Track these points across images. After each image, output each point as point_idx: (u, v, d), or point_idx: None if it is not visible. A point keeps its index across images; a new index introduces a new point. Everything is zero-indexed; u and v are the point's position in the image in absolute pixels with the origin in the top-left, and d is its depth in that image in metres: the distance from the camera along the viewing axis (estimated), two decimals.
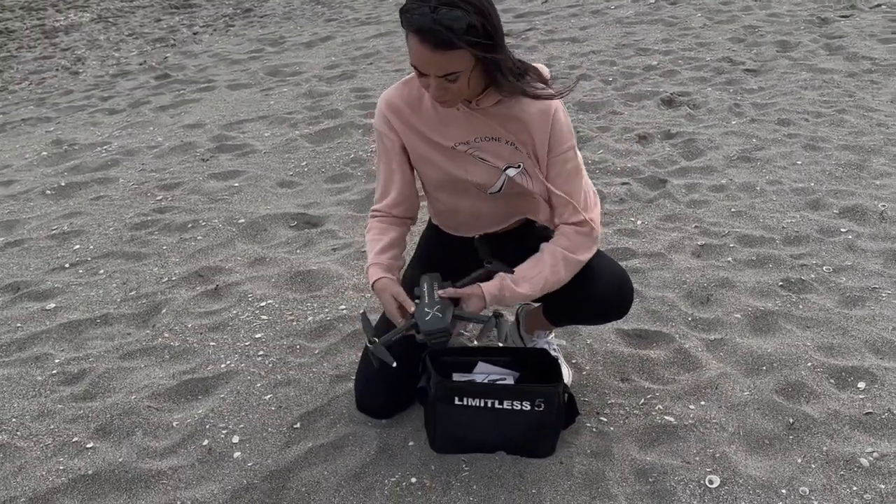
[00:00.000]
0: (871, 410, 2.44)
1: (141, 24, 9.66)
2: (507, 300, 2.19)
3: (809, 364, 2.65)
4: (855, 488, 2.17)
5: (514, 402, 2.27)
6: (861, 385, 2.55)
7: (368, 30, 7.98)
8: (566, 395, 2.35)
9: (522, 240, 2.37)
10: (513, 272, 2.21)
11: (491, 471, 2.26)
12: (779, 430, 2.38)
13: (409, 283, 2.37)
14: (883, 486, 2.16)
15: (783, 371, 2.62)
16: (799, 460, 2.27)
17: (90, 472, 2.33)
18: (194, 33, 9.02)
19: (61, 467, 2.36)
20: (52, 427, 2.54)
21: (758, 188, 3.89)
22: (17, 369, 2.84)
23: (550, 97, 2.12)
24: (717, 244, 3.41)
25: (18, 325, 3.13)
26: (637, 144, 4.50)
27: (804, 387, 2.54)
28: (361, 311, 2.25)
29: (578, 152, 2.25)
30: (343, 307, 3.08)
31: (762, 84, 5.29)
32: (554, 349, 2.66)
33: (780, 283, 3.11)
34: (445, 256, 2.50)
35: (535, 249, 2.25)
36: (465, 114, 2.17)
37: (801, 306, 2.96)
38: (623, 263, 3.28)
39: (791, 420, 2.41)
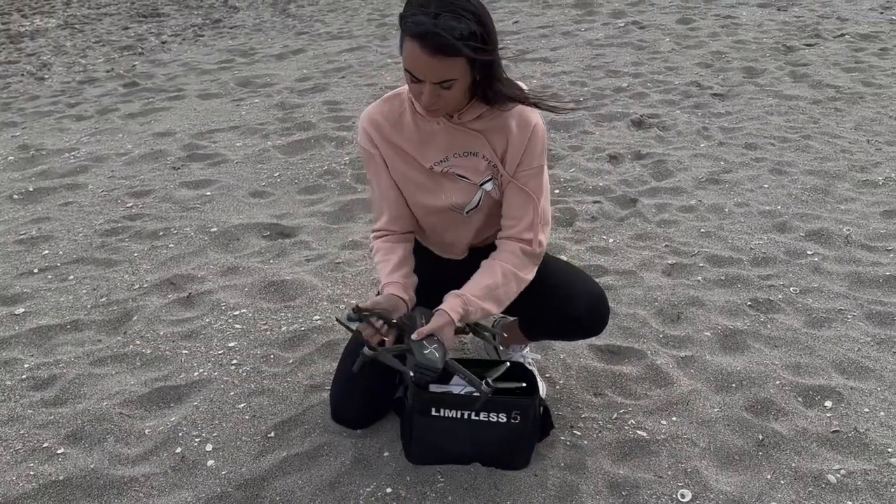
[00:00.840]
0: (838, 428, 2.49)
1: (108, 32, 9.58)
2: (472, 315, 2.18)
3: (778, 382, 2.70)
4: None
5: (491, 414, 2.29)
6: (828, 404, 2.60)
7: (340, 44, 8.00)
8: (542, 407, 2.37)
9: None
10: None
11: (466, 482, 2.27)
12: (748, 447, 2.43)
13: None
14: (850, 503, 2.21)
15: (752, 389, 2.67)
16: (768, 476, 2.31)
17: (61, 477, 2.30)
18: (163, 42, 8.96)
19: (32, 472, 2.33)
20: (21, 432, 2.51)
21: (726, 210, 3.96)
22: None
23: (534, 104, 2.15)
24: (686, 263, 3.47)
25: None
26: (608, 164, 4.56)
27: (773, 404, 2.59)
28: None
29: (547, 174, 2.28)
30: (317, 318, 3.08)
31: (729, 108, 5.39)
32: (529, 363, 2.68)
33: (749, 303, 3.16)
34: (426, 271, 2.51)
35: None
36: (445, 128, 2.19)
37: (769, 326, 3.02)
38: (597, 280, 3.32)
39: (760, 437, 2.46)
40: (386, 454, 2.39)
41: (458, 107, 2.11)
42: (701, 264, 3.46)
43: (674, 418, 2.55)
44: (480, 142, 2.20)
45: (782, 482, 2.29)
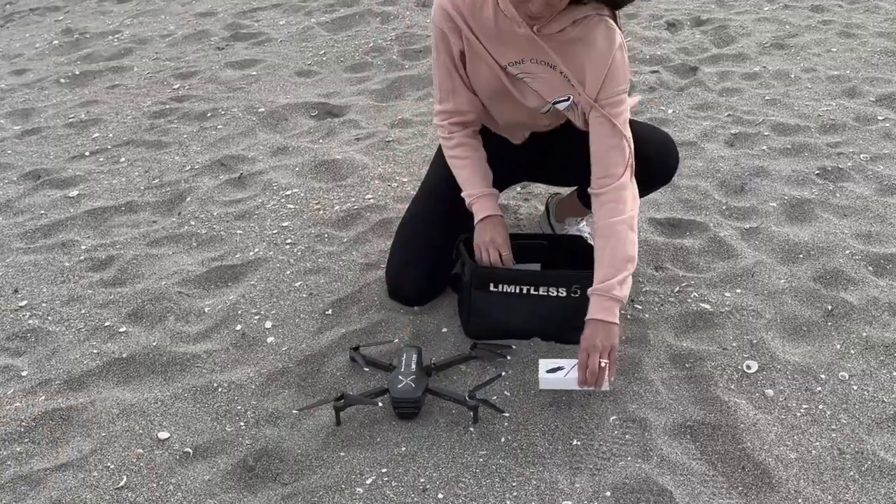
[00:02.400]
0: None
1: None
2: (623, 292, 2.07)
3: (847, 252, 2.61)
4: (895, 374, 2.16)
5: (550, 289, 2.24)
6: None
7: None
8: None
9: (567, 135, 2.30)
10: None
11: (526, 356, 2.25)
12: (817, 317, 2.36)
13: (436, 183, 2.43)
14: None
15: (821, 259, 2.58)
16: (838, 346, 2.25)
17: (124, 355, 2.33)
18: None
19: (95, 351, 2.36)
20: (83, 312, 2.53)
21: (792, 76, 3.78)
22: (44, 255, 2.82)
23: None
24: (750, 133, 3.33)
25: (42, 212, 3.09)
26: (666, 31, 4.37)
27: (842, 274, 2.51)
28: (353, 346, 2.27)
29: (629, 98, 2.17)
30: (370, 196, 3.04)
31: None
32: (587, 235, 2.61)
33: (817, 172, 3.04)
34: (491, 143, 2.43)
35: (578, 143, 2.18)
36: (525, 36, 2.07)
37: (837, 195, 2.91)
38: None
39: (829, 307, 2.39)
40: (444, 330, 2.37)
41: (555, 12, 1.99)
42: (766, 133, 3.33)
43: (738, 290, 2.48)
44: (558, 56, 2.09)
45: (852, 352, 2.23)
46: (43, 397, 2.20)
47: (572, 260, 2.38)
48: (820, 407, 2.07)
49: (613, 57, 2.07)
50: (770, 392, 2.12)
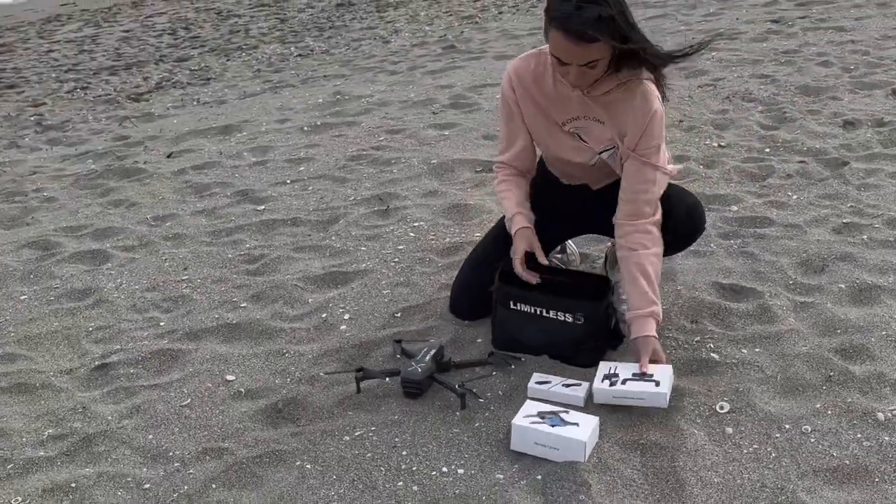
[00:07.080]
0: None
1: (459, 4, 10.57)
2: (658, 314, 2.50)
3: (884, 333, 2.67)
4: (858, 436, 2.25)
5: (559, 313, 2.59)
6: None
7: (646, 12, 8.19)
8: (613, 319, 2.62)
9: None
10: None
11: (531, 368, 2.60)
12: (816, 381, 2.48)
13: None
14: (887, 438, 2.22)
15: (854, 335, 2.67)
16: (818, 406, 2.38)
17: (234, 321, 3.00)
18: (499, 13, 9.73)
19: (216, 316, 3.05)
20: (222, 289, 3.25)
21: None
22: (217, 248, 3.61)
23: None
24: (862, 224, 3.39)
25: (232, 219, 3.92)
26: (840, 129, 4.44)
27: (865, 350, 2.59)
28: (397, 339, 2.77)
29: (665, 152, 2.53)
30: (478, 234, 3.51)
31: None
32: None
33: None
34: (553, 191, 2.85)
35: None
36: (579, 97, 2.50)
37: None
38: (754, 230, 3.39)
39: (831, 373, 2.50)
40: (479, 340, 2.78)
41: (600, 78, 2.41)
42: (877, 226, 3.37)
43: (757, 349, 2.65)
44: (606, 114, 2.50)
45: (829, 412, 2.35)
46: (166, 341, 2.92)
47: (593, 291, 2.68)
48: (768, 449, 2.24)
49: (649, 122, 2.44)
50: (730, 430, 2.31)
